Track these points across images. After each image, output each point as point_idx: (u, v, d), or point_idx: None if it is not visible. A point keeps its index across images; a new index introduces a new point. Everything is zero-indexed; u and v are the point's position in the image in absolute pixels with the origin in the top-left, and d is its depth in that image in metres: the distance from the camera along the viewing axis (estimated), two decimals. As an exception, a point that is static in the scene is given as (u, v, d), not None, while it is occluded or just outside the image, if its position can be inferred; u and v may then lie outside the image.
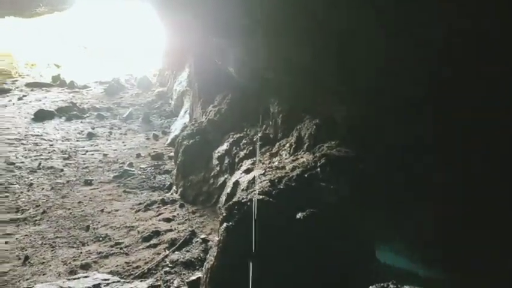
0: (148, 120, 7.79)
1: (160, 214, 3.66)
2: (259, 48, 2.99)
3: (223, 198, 3.26)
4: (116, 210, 3.88)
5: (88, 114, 7.91)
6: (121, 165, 5.44)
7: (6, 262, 2.98)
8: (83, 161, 5.60)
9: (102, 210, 3.91)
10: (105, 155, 5.87)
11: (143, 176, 4.92)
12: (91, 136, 6.69)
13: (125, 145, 6.42)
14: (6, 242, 3.29)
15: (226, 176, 3.51)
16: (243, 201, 2.16)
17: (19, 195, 4.36)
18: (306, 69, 3.10)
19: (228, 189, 3.17)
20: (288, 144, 3.15)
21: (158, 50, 12.23)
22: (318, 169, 2.33)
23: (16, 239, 3.37)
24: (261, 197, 2.16)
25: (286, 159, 2.93)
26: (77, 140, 6.51)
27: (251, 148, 3.45)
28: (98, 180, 4.88)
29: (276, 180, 2.36)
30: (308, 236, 2.02)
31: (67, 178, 4.94)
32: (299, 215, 2.05)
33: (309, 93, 3.13)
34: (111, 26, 14.44)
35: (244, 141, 3.61)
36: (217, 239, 2.10)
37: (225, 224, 2.09)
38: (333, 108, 2.94)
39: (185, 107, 7.43)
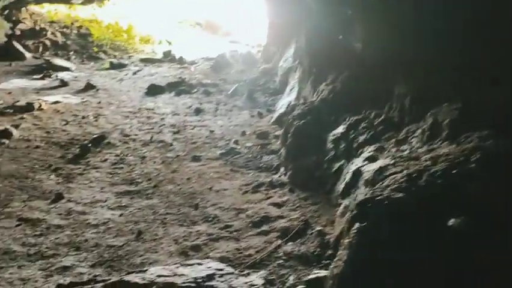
0: (252, 97, 7.65)
1: (269, 197, 3.46)
2: (394, 21, 2.57)
3: (339, 186, 2.94)
4: (224, 190, 3.76)
5: (195, 90, 7.99)
6: (227, 142, 5.35)
7: (120, 236, 2.99)
8: (191, 136, 5.61)
9: (210, 189, 3.82)
10: (211, 131, 5.83)
11: (250, 155, 4.75)
12: (198, 111, 6.72)
13: (230, 122, 6.34)
14: (121, 215, 3.32)
15: (342, 162, 3.17)
16: (377, 198, 1.82)
17: (133, 168, 4.45)
18: (444, 45, 2.60)
19: (346, 178, 2.83)
20: (419, 131, 2.71)
21: (263, 26, 12.07)
22: (472, 165, 1.89)
23: (130, 212, 3.39)
24: (399, 194, 1.80)
25: (419, 148, 2.50)
26: (186, 115, 6.57)
27: (372, 133, 3.05)
28: (205, 156, 4.83)
29: (415, 175, 1.97)
30: (461, 248, 1.63)
31: (176, 153, 4.96)
32: (451, 222, 1.66)
33: (450, 72, 2.64)
34: (221, 4, 14.57)
35: (363, 124, 3.22)
36: (347, 240, 1.79)
37: (357, 225, 1.77)
38: (483, 90, 2.43)
39: (290, 85, 7.14)
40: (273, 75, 8.68)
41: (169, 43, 11.57)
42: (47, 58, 9.07)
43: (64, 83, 7.63)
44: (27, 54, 9.16)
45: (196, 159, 4.75)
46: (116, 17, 11.61)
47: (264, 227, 2.92)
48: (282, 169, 4.03)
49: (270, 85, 8.31)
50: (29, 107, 6.09)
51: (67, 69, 8.59)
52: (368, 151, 2.83)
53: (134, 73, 9.02)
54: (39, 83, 7.66)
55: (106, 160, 4.60)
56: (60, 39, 10.37)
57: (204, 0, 14.69)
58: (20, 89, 7.21)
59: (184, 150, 5.06)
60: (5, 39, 9.28)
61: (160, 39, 11.59)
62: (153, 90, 7.70)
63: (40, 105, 6.23)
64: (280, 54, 8.49)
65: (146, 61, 10.00)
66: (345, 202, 2.59)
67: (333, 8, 3.17)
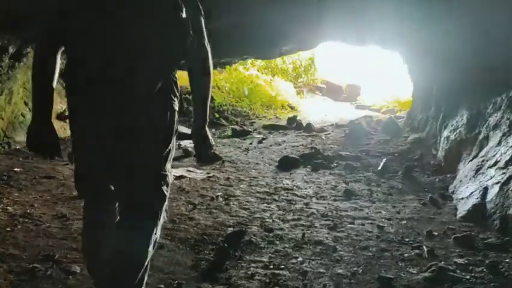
0: (409, 175, 5.80)
1: None
2: None
3: None
4: None
5: (334, 164, 6.38)
6: (415, 250, 3.51)
7: None
8: (355, 234, 3.88)
9: None
10: (380, 226, 4.06)
11: (481, 287, 2.87)
12: (348, 195, 5.03)
13: (397, 212, 4.53)
14: None
15: None
16: None
17: (296, 295, 2.81)
18: None
19: None
20: None
21: (391, 89, 10.39)
22: None
23: None
24: None
25: None
26: (335, 200, 4.91)
27: None
28: (401, 280, 3.03)
29: None
30: None
31: (347, 267, 3.24)
32: None
33: None
34: (341, 68, 13.30)
35: None
36: None
37: None
38: None
39: (469, 163, 5.18)
40: (430, 148, 6.77)
41: (292, 108, 10.33)
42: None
43: (187, 153, 6.53)
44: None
45: (386, 285, 2.97)
46: (237, 83, 10.76)
47: None
48: None
49: (428, 160, 6.40)
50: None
51: (189, 136, 7.57)
52: None
53: (260, 142, 7.75)
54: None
55: (252, 276, 3.02)
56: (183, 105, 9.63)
57: (322, 64, 13.54)
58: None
59: (357, 262, 3.32)
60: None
61: (281, 104, 10.42)
62: (286, 164, 6.25)
63: (163, 181, 5.04)
64: (438, 122, 6.63)
65: (270, 128, 8.76)
66: None
67: None
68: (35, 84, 1.82)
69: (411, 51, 7.88)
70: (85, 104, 1.80)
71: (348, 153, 6.90)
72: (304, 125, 8.77)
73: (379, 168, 6.10)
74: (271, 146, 7.45)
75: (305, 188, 5.28)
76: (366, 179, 5.75)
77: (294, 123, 8.99)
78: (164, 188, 1.96)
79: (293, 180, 5.58)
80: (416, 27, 6.75)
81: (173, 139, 2.04)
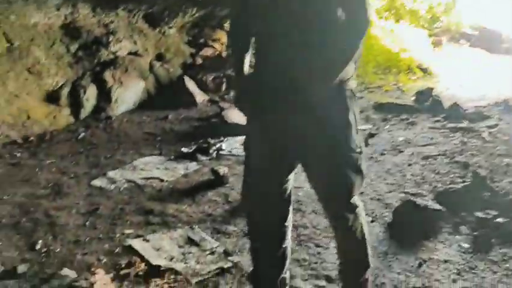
0: None
1: None
2: None
3: None
4: None
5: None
6: None
7: None
8: None
9: None
10: None
11: None
12: None
13: None
14: None
15: None
16: None
17: None
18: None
19: None
20: None
21: None
22: None
23: None
24: None
25: None
26: None
27: None
28: None
29: None
30: None
31: None
32: None
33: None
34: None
35: None
36: None
37: None
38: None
39: None
40: None
41: (424, 71, 6.15)
42: (223, 105, 5.02)
43: (218, 176, 3.27)
44: (200, 97, 5.31)
45: None
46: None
47: None
48: None
49: None
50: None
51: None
52: None
53: (364, 140, 4.07)
54: (179, 170, 3.50)
55: None
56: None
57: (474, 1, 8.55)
58: (130, 192, 3.14)
59: None
60: (180, 72, 5.70)
61: (408, 66, 6.29)
62: (406, 226, 2.60)
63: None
64: None
65: (386, 110, 4.93)
66: None
67: None
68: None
69: None
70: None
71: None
72: (445, 105, 4.74)
73: None
74: (383, 155, 3.75)
75: None
76: None
77: (427, 101, 5.00)
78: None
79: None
80: None
81: None
